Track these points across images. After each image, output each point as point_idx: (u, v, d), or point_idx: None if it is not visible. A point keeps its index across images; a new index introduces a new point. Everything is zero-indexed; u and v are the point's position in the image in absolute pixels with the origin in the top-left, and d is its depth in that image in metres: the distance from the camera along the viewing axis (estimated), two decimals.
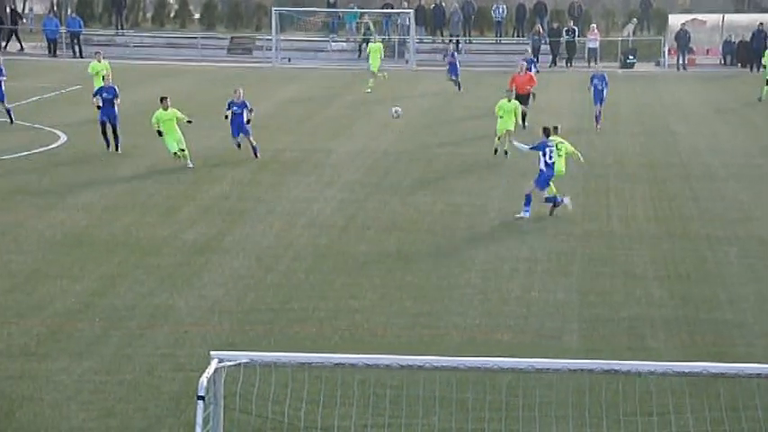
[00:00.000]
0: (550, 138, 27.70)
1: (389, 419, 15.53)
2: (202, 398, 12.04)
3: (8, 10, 68.89)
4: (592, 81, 40.74)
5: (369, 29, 65.97)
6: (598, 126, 40.00)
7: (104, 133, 35.03)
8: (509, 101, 34.25)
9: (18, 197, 28.84)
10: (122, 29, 69.38)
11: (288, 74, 58.56)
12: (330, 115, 43.94)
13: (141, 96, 46.58)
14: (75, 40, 64.61)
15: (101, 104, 35.08)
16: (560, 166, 27.60)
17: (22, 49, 66.52)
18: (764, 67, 49.10)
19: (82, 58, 63.17)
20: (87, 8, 71.73)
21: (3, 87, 39.79)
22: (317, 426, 15.16)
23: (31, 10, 79.09)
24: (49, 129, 38.74)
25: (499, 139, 34.54)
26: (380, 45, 53.50)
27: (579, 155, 28.48)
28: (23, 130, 38.51)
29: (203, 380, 12.03)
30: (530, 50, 54.85)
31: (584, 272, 23.14)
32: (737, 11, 65.28)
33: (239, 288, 21.85)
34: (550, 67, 61.41)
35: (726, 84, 54.60)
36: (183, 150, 32.58)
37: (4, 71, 39.93)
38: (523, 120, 37.57)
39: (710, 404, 15.65)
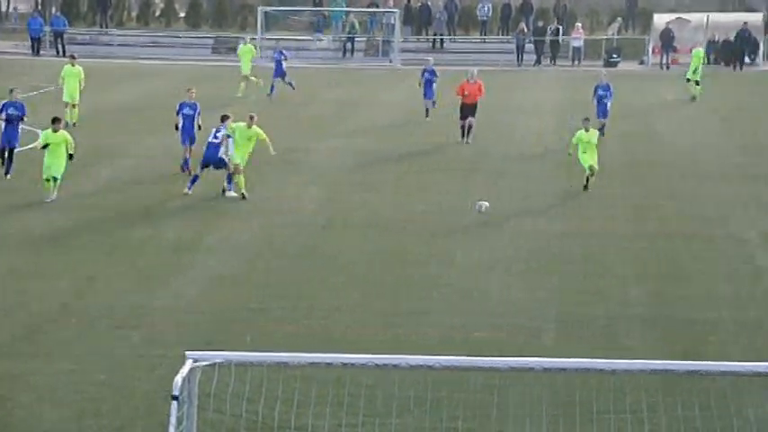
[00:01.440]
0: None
1: (364, 419, 15.54)
2: (176, 398, 12.05)
3: None
4: (596, 92, 37.61)
5: (354, 27, 65.97)
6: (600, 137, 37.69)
7: (1, 157, 30.57)
8: (587, 130, 29.85)
9: (7, 196, 28.76)
10: (107, 28, 69.24)
11: (272, 72, 58.43)
12: (312, 114, 43.91)
13: (124, 96, 46.54)
14: (59, 39, 64.46)
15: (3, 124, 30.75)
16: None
17: None
18: (695, 70, 47.65)
19: (65, 57, 63.02)
20: (73, 7, 71.59)
21: None
22: (291, 425, 15.16)
23: (15, 9, 78.90)
24: (28, 127, 38.61)
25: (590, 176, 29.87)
26: (252, 47, 50.56)
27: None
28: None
29: (178, 380, 12.04)
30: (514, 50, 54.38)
31: (562, 271, 23.18)
32: (722, 10, 65.41)
33: (217, 288, 21.84)
34: (535, 65, 61.47)
35: (708, 82, 54.74)
36: (55, 180, 28.03)
37: None
38: (469, 133, 36.03)
39: (684, 402, 15.68)
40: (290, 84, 47.92)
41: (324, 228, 26.56)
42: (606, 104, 37.24)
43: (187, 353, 12.49)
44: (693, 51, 49.02)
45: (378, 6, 67.57)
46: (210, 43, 67.64)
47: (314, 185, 31.07)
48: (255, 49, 51.86)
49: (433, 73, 40.80)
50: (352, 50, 65.27)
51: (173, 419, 12.12)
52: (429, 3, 67.29)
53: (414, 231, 26.27)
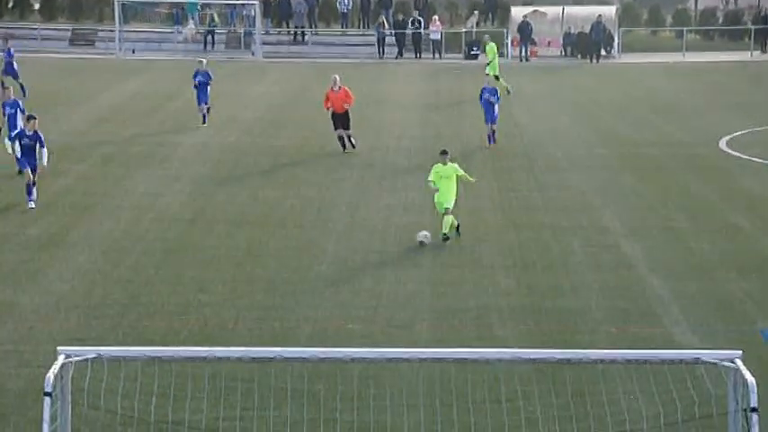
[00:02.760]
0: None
1: (242, 412, 15.54)
2: (49, 394, 11.93)
3: None
4: (482, 96, 35.54)
5: (213, 20, 65.54)
6: (491, 144, 35.33)
7: None
8: (444, 164, 25.08)
9: None
10: None
11: (132, 65, 57.84)
12: (176, 108, 43.53)
13: None
14: None
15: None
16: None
17: None
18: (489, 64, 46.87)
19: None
20: None
21: None
22: (168, 420, 15.08)
23: None
24: None
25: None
26: None
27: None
28: None
29: (50, 376, 11.91)
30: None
31: (433, 263, 23.40)
32: (576, 3, 66.57)
33: (86, 283, 21.57)
34: (396, 58, 61.84)
35: (566, 74, 55.69)
36: None
37: None
38: (351, 142, 34.11)
39: (557, 390, 16.00)
40: (22, 86, 43.43)
41: (191, 223, 26.38)
42: (494, 106, 35.07)
43: (59, 348, 12.38)
44: (488, 47, 48.69)
45: None
46: (68, 36, 66.54)
47: (181, 180, 30.80)
48: None
49: (207, 75, 38.65)
50: (213, 43, 64.87)
51: (46, 416, 12.01)
52: None
53: (284, 226, 26.25)
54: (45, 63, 57.47)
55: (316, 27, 67.03)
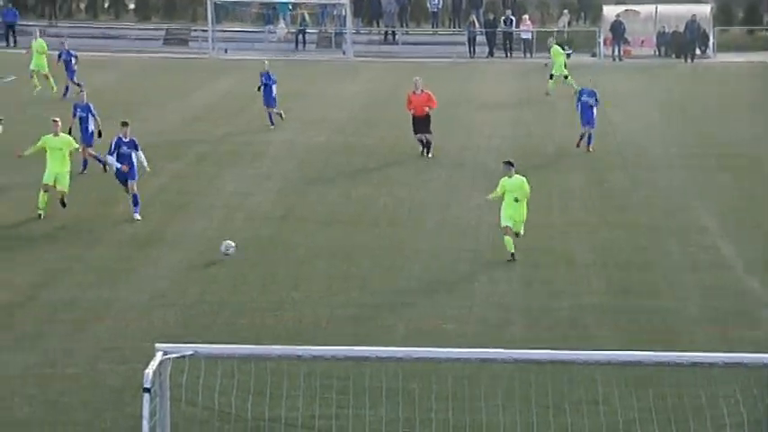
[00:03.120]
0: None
1: (337, 410, 15.55)
2: (148, 390, 11.99)
3: None
4: (579, 98, 34.38)
5: (304, 20, 65.83)
6: (589, 147, 34.06)
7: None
8: (510, 176, 23.21)
9: None
10: (56, 19, 68.62)
11: (224, 65, 58.24)
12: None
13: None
14: (11, 31, 63.86)
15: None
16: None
17: None
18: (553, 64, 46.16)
19: (15, 48, 62.45)
20: None
21: None
22: (265, 417, 15.13)
23: None
24: None
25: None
26: (43, 42, 46.00)
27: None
28: None
29: (149, 372, 11.98)
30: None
31: (525, 262, 23.23)
32: (670, 1, 65.78)
33: (181, 281, 21.73)
34: (487, 57, 61.62)
35: (660, 74, 55.09)
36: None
37: None
38: (428, 149, 33.45)
39: (656, 392, 15.79)
40: (79, 84, 42.12)
41: (283, 221, 26.48)
42: (593, 109, 33.75)
43: (157, 345, 12.45)
44: (552, 49, 48.28)
45: None
46: (162, 35, 67.23)
47: (272, 179, 30.93)
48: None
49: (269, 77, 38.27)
50: (304, 42, 65.14)
51: (145, 412, 12.08)
52: None
53: (376, 224, 26.26)
54: (139, 63, 58.13)
55: (407, 26, 67.04)
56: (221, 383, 14.85)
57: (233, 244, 22.99)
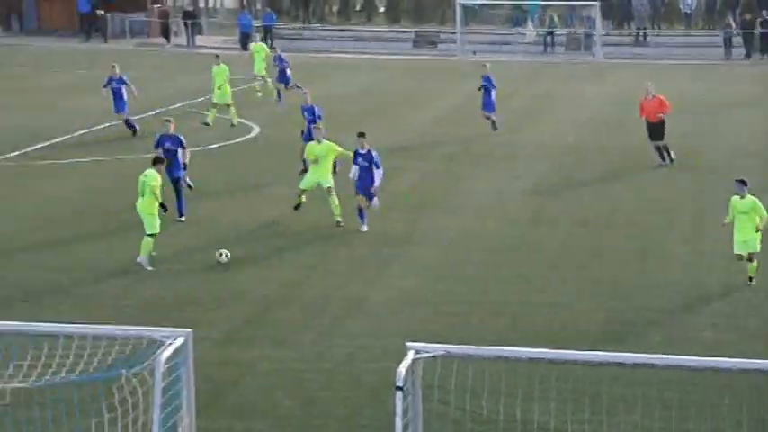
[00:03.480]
0: None
1: (590, 416, 15.28)
2: (401, 388, 12.01)
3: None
4: None
5: (554, 22, 65.46)
6: None
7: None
8: (742, 197, 21.27)
9: (215, 187, 29.32)
10: (309, 23, 70.21)
11: (473, 66, 58.34)
12: (518, 107, 43.63)
13: (325, 91, 46.95)
14: (268, 34, 65.68)
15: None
16: None
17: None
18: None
19: (273, 51, 64.18)
20: (276, 2, 72.87)
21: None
22: (517, 419, 14.99)
23: (221, 4, 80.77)
24: (244, 121, 39.39)
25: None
26: (264, 46, 45.81)
27: None
28: (220, 122, 39.20)
29: (401, 370, 12.00)
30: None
31: None
32: None
33: (432, 279, 21.81)
34: (744, 59, 59.90)
35: None
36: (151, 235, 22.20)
37: None
38: (668, 154, 32.08)
39: None
40: (299, 87, 41.98)
41: (533, 222, 26.30)
42: None
43: (408, 344, 12.45)
44: None
45: None
46: (411, 37, 67.95)
47: (523, 179, 30.79)
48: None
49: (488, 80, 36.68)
50: (553, 44, 64.76)
51: (398, 410, 12.11)
52: None
53: (629, 227, 25.80)
54: (389, 64, 58.86)
55: (658, 28, 65.86)
56: (473, 384, 14.79)
57: (227, 253, 22.19)
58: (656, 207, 27.61)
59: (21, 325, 13.19)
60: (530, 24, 67.21)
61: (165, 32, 67.40)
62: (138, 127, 36.20)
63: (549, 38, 64.93)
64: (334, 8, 77.06)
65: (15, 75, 51.99)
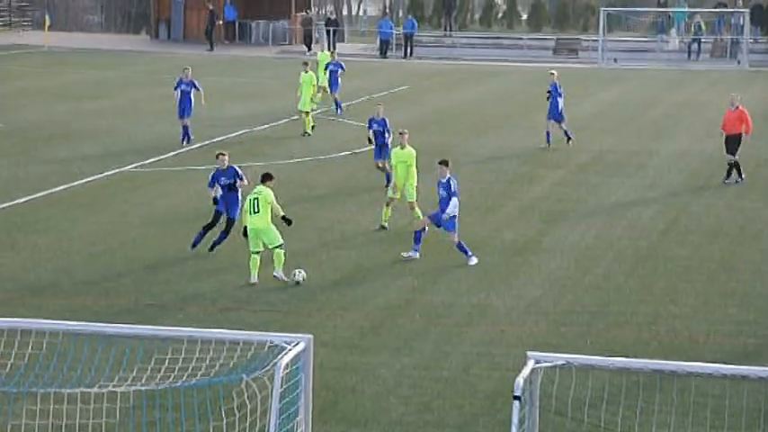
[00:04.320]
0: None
1: (710, 430, 15.03)
2: (518, 398, 11.94)
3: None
4: None
5: (700, 28, 64.47)
6: None
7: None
8: None
9: (343, 194, 29.59)
10: (451, 30, 70.32)
11: (614, 74, 57.87)
12: (654, 116, 43.08)
13: (464, 97, 47.03)
14: (408, 41, 65.92)
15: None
16: None
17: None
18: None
19: (410, 58, 64.49)
20: (418, 10, 73.17)
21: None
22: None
23: (365, 12, 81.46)
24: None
25: None
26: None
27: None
28: (351, 129, 39.52)
29: (519, 380, 11.92)
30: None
31: None
32: None
33: (556, 289, 21.67)
34: None
35: None
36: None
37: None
38: (738, 172, 30.58)
39: None
40: (337, 102, 42.24)
41: (664, 233, 25.95)
42: None
43: (529, 353, 12.36)
44: None
45: (726, 6, 65.72)
46: (552, 45, 67.62)
47: (655, 189, 30.39)
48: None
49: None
50: (698, 52, 63.76)
51: (515, 419, 12.03)
52: None
53: (761, 239, 25.31)
54: (530, 72, 58.60)
55: None
56: (591, 396, 14.67)
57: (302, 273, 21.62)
58: None
59: (145, 329, 13.47)
60: (674, 31, 66.31)
61: (307, 40, 68.22)
62: (192, 137, 35.42)
63: (694, 45, 63.95)
64: (477, 15, 77.06)
65: (162, 81, 53.12)
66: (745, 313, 20.30)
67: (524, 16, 76.41)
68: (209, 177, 23.68)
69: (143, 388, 14.20)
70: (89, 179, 30.77)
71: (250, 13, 71.33)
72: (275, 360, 12.21)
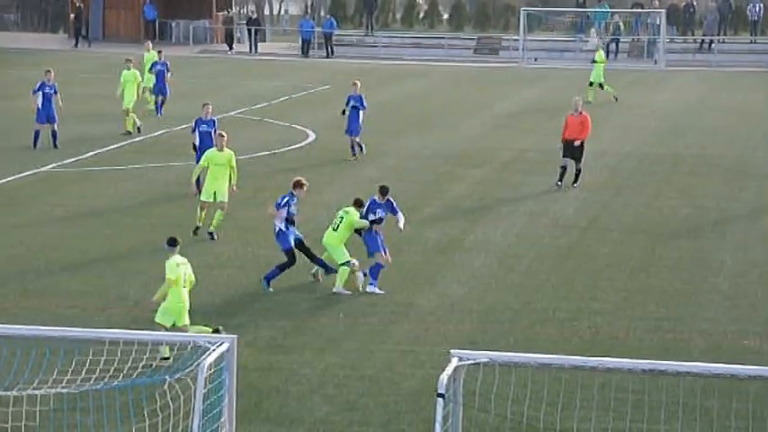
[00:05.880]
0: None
1: (630, 424, 15.24)
2: (442, 395, 12.03)
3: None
4: None
5: (619, 29, 65.16)
6: None
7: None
8: None
9: (267, 193, 29.51)
10: (373, 29, 70.41)
11: (534, 73, 58.31)
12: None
13: (385, 97, 47.14)
14: (328, 41, 65.99)
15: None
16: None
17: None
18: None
19: (332, 58, 64.55)
20: (340, 9, 73.18)
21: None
22: (556, 428, 14.98)
23: (286, 11, 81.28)
24: (299, 127, 39.64)
25: None
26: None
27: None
28: (276, 129, 39.47)
29: (443, 378, 12.01)
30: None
31: None
32: None
33: (480, 287, 21.82)
34: None
35: None
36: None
37: None
38: (574, 178, 30.06)
39: None
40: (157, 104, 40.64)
41: (585, 230, 26.22)
42: None
43: (452, 351, 12.46)
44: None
45: (642, 7, 66.55)
46: (473, 44, 67.97)
47: (576, 188, 30.64)
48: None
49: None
50: (617, 52, 64.42)
51: (438, 417, 12.12)
52: (695, 2, 65.89)
53: (679, 236, 25.67)
54: (450, 71, 58.88)
55: (724, 35, 65.34)
56: (514, 392, 14.81)
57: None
58: (707, 216, 27.42)
59: (66, 330, 13.35)
60: (593, 31, 66.94)
61: (229, 39, 67.95)
62: (59, 146, 34.31)
63: (612, 45, 64.60)
64: (398, 15, 77.21)
65: (80, 81, 52.59)
66: (664, 310, 20.59)
67: (446, 16, 76.69)
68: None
69: (64, 390, 14.07)
70: (7, 179, 30.42)
71: (170, 12, 70.85)
72: (199, 361, 12.17)
